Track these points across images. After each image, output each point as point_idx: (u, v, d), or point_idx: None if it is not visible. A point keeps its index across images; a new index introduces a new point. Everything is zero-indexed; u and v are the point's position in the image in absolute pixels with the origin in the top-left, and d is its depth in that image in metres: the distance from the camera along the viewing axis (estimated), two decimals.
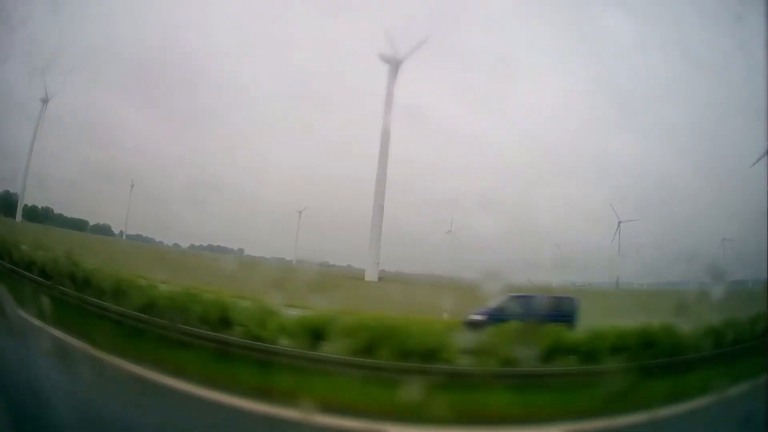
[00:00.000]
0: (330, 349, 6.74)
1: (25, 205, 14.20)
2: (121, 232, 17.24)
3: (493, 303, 9.32)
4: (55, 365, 6.30)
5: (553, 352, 7.09)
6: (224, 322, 7.37)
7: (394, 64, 17.21)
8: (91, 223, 16.90)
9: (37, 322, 7.55)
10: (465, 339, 6.81)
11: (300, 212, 17.87)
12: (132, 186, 16.27)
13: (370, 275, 14.70)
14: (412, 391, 6.33)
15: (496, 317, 8.77)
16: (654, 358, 7.64)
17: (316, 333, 6.99)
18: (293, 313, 7.92)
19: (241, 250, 17.27)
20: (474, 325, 8.99)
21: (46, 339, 7.20)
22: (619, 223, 19.04)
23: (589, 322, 9.39)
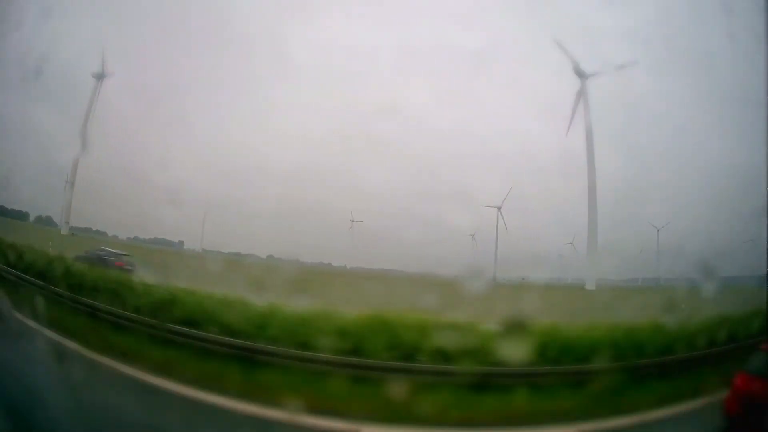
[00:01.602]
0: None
1: None
2: (67, 224, 18.56)
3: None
4: (50, 366, 6.49)
5: (539, 352, 7.12)
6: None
7: None
8: (33, 215, 18.30)
9: (32, 323, 7.73)
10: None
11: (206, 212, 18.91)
12: (66, 182, 17.66)
13: (64, 231, 18.13)
14: (395, 391, 6.43)
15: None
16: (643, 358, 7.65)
17: None
18: None
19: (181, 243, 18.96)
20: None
21: (42, 340, 7.38)
22: (499, 209, 18.91)
23: None
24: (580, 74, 17.78)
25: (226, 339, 7.11)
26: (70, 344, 7.63)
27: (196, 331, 7.27)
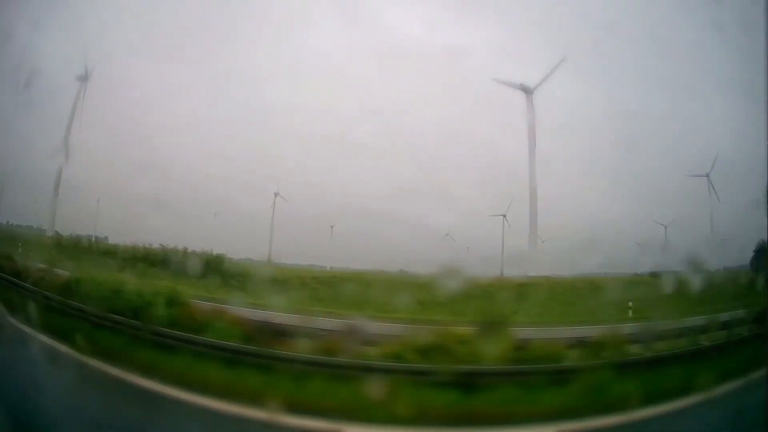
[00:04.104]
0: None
1: None
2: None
3: None
4: (45, 370, 6.74)
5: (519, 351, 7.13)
6: None
7: None
8: None
9: (27, 328, 7.99)
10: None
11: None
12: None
13: None
14: (375, 390, 6.52)
15: None
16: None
17: None
18: None
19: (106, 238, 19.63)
20: None
21: (36, 345, 7.64)
22: (275, 195, 19.01)
23: None
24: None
25: (211, 341, 7.33)
26: (63, 348, 7.88)
27: (180, 333, 7.52)
